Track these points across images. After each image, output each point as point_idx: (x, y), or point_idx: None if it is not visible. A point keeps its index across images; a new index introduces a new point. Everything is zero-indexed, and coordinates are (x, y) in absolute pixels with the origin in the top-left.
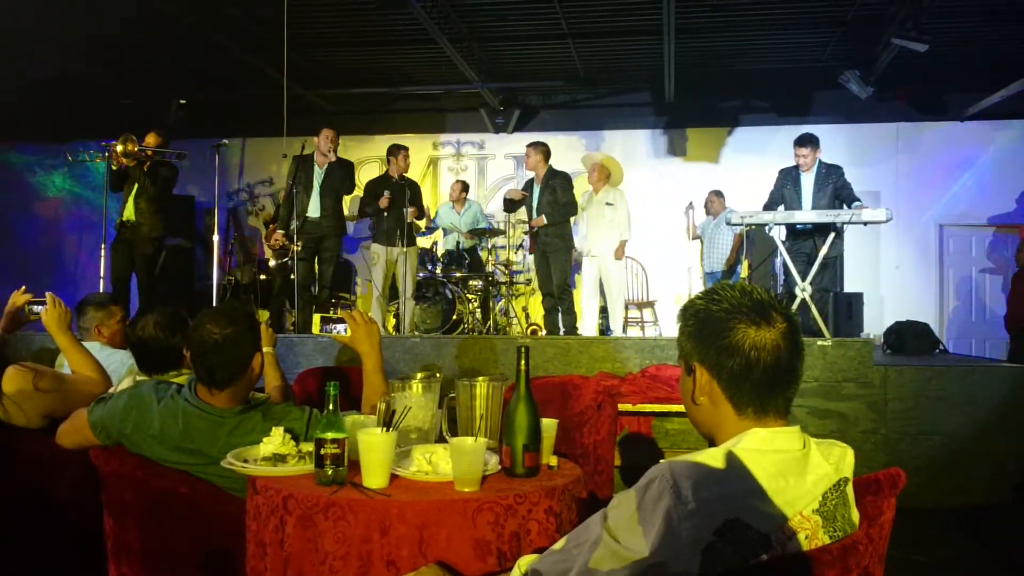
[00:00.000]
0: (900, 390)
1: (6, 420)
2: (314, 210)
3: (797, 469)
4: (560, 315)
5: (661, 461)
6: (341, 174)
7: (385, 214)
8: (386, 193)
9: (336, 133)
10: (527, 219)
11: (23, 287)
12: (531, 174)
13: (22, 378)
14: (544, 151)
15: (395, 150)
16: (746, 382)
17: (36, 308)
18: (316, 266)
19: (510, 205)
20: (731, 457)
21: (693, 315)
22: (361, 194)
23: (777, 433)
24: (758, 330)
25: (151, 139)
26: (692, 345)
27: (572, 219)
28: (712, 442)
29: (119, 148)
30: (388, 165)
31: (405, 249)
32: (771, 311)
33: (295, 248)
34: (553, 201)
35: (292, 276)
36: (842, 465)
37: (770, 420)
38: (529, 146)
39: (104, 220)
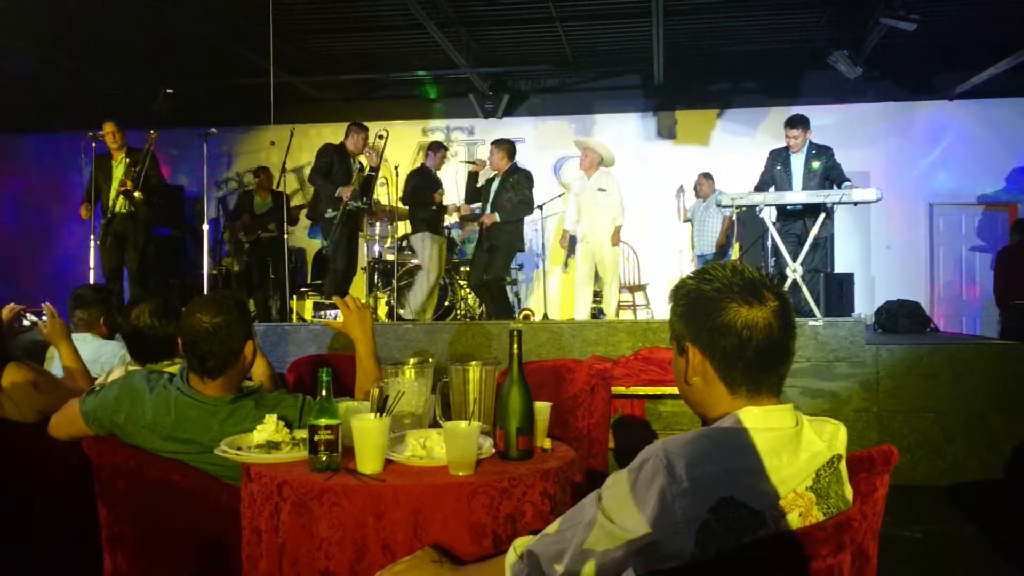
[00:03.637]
0: (892, 368)
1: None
2: (353, 203)
3: (791, 447)
4: (489, 302)
5: (655, 440)
6: (374, 179)
7: (434, 207)
8: (442, 188)
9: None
10: (480, 211)
11: (11, 304)
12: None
13: (23, 376)
14: (508, 149)
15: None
16: (739, 361)
17: (32, 318)
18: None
19: (472, 193)
20: (724, 436)
21: (684, 295)
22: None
23: (770, 411)
24: (750, 309)
25: (108, 127)
26: (684, 325)
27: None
28: (705, 421)
29: (108, 139)
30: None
31: (443, 239)
32: (762, 290)
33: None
34: (510, 198)
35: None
36: (835, 442)
37: (763, 399)
38: (493, 143)
39: (93, 212)
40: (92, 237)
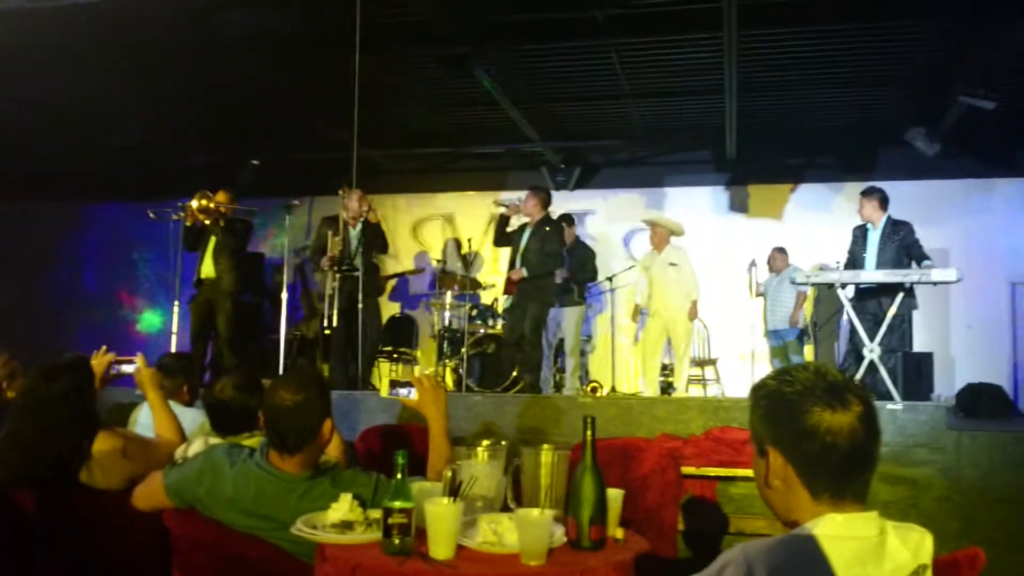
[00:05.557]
0: (974, 456)
1: (88, 483)
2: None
3: (875, 556)
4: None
5: (735, 545)
6: (379, 234)
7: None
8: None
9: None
10: (510, 264)
11: (104, 347)
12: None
13: (112, 444)
14: (543, 198)
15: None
16: (822, 467)
17: (125, 368)
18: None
19: (501, 237)
20: (807, 543)
21: (765, 396)
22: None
23: (854, 519)
24: (833, 413)
25: (221, 196)
26: (765, 428)
27: (557, 272)
28: (787, 525)
29: (194, 204)
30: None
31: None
32: (846, 393)
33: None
34: (539, 249)
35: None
36: (920, 551)
37: (847, 505)
38: (530, 189)
39: (179, 278)
40: (176, 303)
